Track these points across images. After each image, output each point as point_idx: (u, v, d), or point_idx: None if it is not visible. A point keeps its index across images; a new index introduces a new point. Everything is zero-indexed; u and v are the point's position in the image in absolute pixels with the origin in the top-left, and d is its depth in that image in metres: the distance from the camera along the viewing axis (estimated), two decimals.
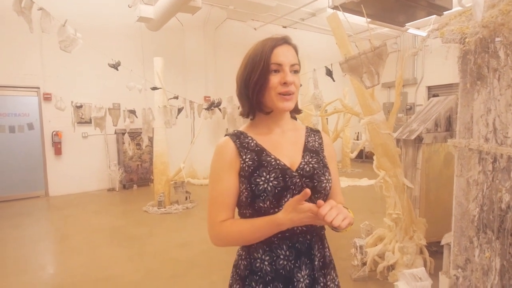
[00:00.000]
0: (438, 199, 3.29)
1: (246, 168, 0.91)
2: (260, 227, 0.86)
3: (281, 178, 0.89)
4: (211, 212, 0.94)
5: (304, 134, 1.03)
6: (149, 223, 4.67)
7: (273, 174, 0.89)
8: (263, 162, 0.91)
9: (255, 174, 0.89)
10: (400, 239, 2.91)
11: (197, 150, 7.19)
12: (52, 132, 6.49)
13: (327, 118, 7.67)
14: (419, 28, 8.44)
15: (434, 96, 4.35)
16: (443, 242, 2.25)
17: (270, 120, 0.98)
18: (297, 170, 0.92)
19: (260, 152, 0.93)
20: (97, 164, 7.01)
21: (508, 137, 1.52)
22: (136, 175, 7.20)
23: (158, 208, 5.23)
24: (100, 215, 5.17)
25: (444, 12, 4.72)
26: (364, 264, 2.92)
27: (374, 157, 3.09)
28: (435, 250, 3.21)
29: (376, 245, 3.11)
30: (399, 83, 3.15)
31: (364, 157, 10.18)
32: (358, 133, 10.80)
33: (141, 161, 7.25)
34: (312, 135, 1.05)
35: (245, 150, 0.93)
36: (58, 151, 6.53)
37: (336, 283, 1.01)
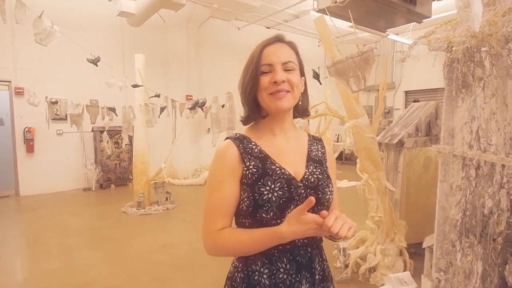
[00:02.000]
0: (417, 202, 3.38)
1: (250, 176, 0.86)
2: (260, 238, 0.82)
3: (286, 189, 0.85)
4: (207, 219, 0.88)
5: (307, 142, 1.00)
6: (128, 225, 4.53)
7: (278, 184, 0.85)
8: (268, 171, 0.87)
9: (259, 183, 0.85)
10: (382, 241, 2.97)
11: (178, 149, 7.06)
12: (24, 129, 6.18)
13: (308, 120, 7.74)
14: (399, 34, 8.70)
15: (415, 101, 4.48)
16: (424, 245, 2.30)
17: (273, 123, 0.94)
18: (301, 180, 0.89)
19: (264, 159, 0.89)
20: (73, 163, 6.74)
21: (491, 144, 1.57)
22: (114, 174, 6.99)
23: (137, 209, 5.09)
24: (75, 216, 4.96)
25: (423, 20, 4.86)
26: (346, 266, 2.95)
27: (358, 160, 3.13)
28: (413, 251, 3.30)
29: (358, 247, 3.15)
30: (382, 88, 3.21)
31: (344, 158, 10.35)
32: (338, 135, 10.99)
33: (119, 160, 7.04)
34: (315, 143, 1.02)
35: (249, 157, 0.88)
36: (30, 148, 6.23)
37: None
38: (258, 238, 0.82)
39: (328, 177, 0.95)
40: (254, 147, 0.90)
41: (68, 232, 4.19)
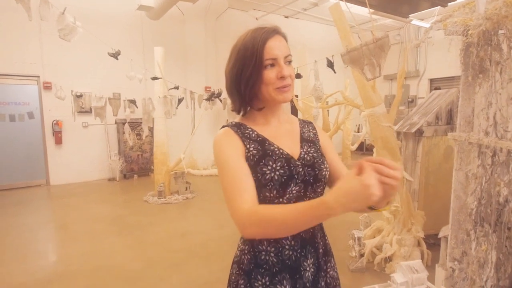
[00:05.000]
0: (436, 193, 3.30)
1: (251, 157, 0.89)
2: (305, 212, 0.71)
3: (286, 167, 0.88)
4: (234, 197, 0.81)
5: (298, 125, 1.04)
6: (149, 213, 4.70)
7: (279, 163, 0.88)
8: (268, 151, 0.90)
9: (261, 163, 0.88)
10: (398, 231, 2.93)
11: (197, 140, 7.19)
12: (53, 121, 6.49)
13: (328, 110, 7.64)
14: (423, 20, 8.35)
15: (436, 89, 4.32)
16: (440, 235, 2.26)
17: (268, 111, 0.97)
18: (298, 159, 0.93)
19: (262, 142, 0.93)
20: (98, 154, 7.03)
21: (508, 131, 1.51)
22: (136, 165, 7.23)
23: (158, 198, 5.26)
24: (100, 204, 5.21)
25: (449, 4, 4.64)
26: (361, 255, 2.95)
27: (374, 150, 3.09)
28: (432, 242, 3.24)
29: (374, 237, 3.13)
30: (401, 75, 3.13)
31: (364, 149, 10.17)
32: (359, 125, 10.77)
33: (141, 151, 7.26)
34: (306, 126, 1.06)
35: (248, 140, 0.92)
36: (58, 140, 6.54)
37: (335, 270, 1.03)
38: (303, 211, 0.72)
39: (322, 155, 0.98)
40: (251, 132, 0.94)
41: (93, 219, 4.41)
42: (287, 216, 0.73)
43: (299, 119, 1.08)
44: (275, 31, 0.91)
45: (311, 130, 1.05)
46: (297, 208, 0.73)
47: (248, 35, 0.91)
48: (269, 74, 0.88)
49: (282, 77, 0.88)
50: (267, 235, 0.82)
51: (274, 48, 0.88)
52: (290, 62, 0.92)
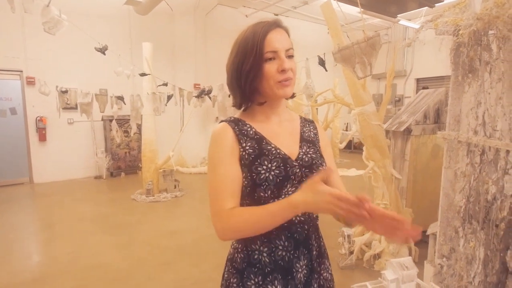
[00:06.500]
0: (424, 190, 3.36)
1: (247, 156, 0.87)
2: (274, 211, 0.79)
3: (282, 168, 0.87)
4: (215, 201, 0.86)
5: (299, 124, 1.02)
6: (137, 211, 4.63)
7: (275, 163, 0.87)
8: (264, 151, 0.88)
9: (256, 163, 0.86)
10: None
11: (186, 138, 7.12)
12: (36, 118, 6.31)
13: (317, 108, 7.68)
14: (410, 20, 8.47)
15: (424, 88, 4.40)
16: (428, 232, 2.30)
17: (268, 108, 0.95)
18: (296, 160, 0.91)
19: (260, 140, 0.91)
20: (84, 151, 6.88)
21: (496, 130, 1.54)
22: (123, 162, 7.11)
23: (147, 196, 5.19)
24: (87, 202, 5.10)
25: (436, 4, 4.73)
26: (351, 252, 2.98)
27: (364, 148, 3.12)
28: (419, 239, 3.29)
29: (364, 235, 3.17)
30: (390, 74, 3.16)
31: (352, 147, 10.28)
32: (347, 123, 10.89)
33: (129, 149, 7.14)
34: (307, 125, 1.04)
35: (245, 138, 0.90)
36: (42, 137, 6.36)
37: (329, 271, 1.02)
38: (272, 211, 0.79)
39: (322, 156, 0.97)
40: (249, 129, 0.92)
41: (80, 218, 4.31)
42: (259, 220, 0.81)
43: (301, 117, 1.05)
44: (275, 24, 0.89)
45: (311, 129, 1.03)
46: (267, 210, 0.80)
47: (249, 29, 0.90)
48: (270, 67, 0.86)
49: (283, 70, 0.86)
50: (241, 237, 0.91)
51: (274, 40, 0.86)
52: (291, 56, 0.89)
